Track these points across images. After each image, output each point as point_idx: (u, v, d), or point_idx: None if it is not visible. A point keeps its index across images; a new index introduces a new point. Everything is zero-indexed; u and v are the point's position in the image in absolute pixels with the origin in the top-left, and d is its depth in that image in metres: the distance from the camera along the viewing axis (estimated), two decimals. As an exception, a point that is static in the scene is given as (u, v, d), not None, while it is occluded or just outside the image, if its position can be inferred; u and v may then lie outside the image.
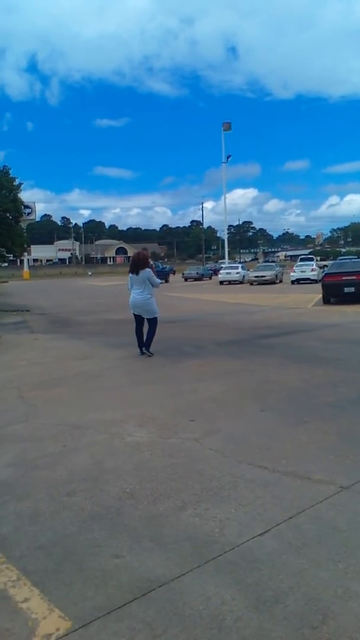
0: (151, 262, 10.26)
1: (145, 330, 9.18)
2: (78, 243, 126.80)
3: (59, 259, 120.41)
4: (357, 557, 2.71)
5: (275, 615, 2.30)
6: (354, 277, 17.48)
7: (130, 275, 9.15)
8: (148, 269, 9.08)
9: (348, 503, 3.34)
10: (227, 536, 2.98)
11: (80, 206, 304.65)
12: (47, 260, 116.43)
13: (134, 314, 9.25)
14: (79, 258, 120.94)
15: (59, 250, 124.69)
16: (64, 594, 2.51)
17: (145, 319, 9.17)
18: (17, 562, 2.81)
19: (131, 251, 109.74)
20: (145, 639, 2.19)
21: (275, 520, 3.13)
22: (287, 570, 2.63)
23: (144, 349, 9.09)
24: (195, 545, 2.89)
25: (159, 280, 9.60)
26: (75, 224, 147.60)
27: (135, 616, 2.33)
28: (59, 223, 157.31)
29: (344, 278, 17.70)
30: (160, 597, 2.46)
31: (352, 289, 17.24)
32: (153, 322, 9.14)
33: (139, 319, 9.22)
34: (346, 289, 17.43)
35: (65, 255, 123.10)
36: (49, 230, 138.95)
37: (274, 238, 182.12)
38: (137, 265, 9.08)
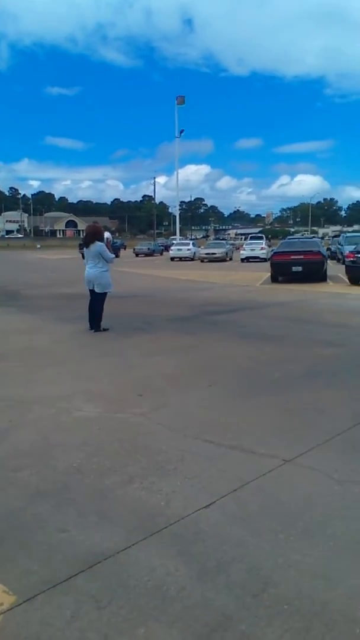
0: (107, 236, 10.08)
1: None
2: (27, 215, 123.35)
3: (7, 231, 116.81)
4: (297, 528, 2.81)
5: (218, 585, 2.36)
6: (301, 257, 17.80)
7: (85, 249, 8.98)
8: (100, 243, 8.88)
9: (290, 476, 3.44)
10: (172, 509, 3.02)
11: (30, 177, 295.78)
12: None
13: (89, 289, 9.04)
14: (28, 230, 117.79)
15: (7, 222, 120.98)
16: (8, 569, 2.49)
17: (93, 294, 8.97)
18: None
19: (82, 224, 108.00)
20: (90, 610, 2.21)
21: (219, 492, 3.20)
22: (230, 541, 2.69)
23: (94, 329, 8.88)
24: (141, 519, 2.93)
25: (112, 255, 9.40)
26: (24, 195, 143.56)
27: (81, 589, 2.34)
28: (7, 193, 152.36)
29: (292, 257, 18.00)
30: (106, 570, 2.47)
31: (300, 268, 17.57)
32: (101, 297, 8.91)
33: (92, 294, 9.04)
34: (294, 268, 17.74)
35: (13, 227, 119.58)
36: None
37: (225, 216, 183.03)
38: (88, 238, 8.93)
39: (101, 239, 9.03)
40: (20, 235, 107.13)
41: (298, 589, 2.31)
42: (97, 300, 8.94)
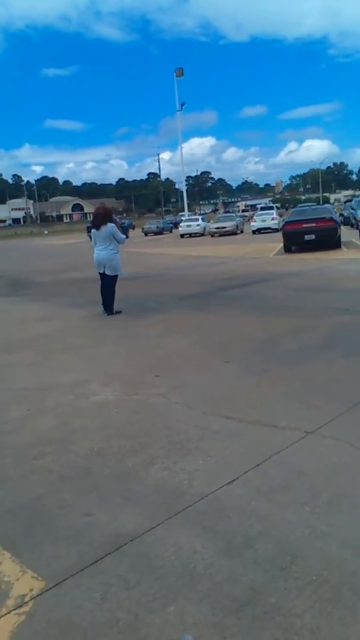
0: (116, 218, 9.99)
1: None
2: (32, 201, 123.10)
3: (13, 219, 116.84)
4: (322, 499, 2.79)
5: (246, 560, 2.35)
6: (313, 225, 17.56)
7: (94, 231, 8.87)
8: (111, 224, 8.78)
9: (313, 447, 3.42)
10: (195, 487, 3.02)
11: (32, 162, 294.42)
12: (0, 221, 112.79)
13: (99, 272, 8.97)
14: (34, 217, 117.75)
15: (12, 209, 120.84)
16: (35, 556, 2.51)
17: (105, 276, 8.89)
18: (-13, 527, 2.79)
19: (88, 207, 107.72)
20: (119, 591, 2.22)
21: (242, 468, 3.18)
22: (255, 515, 2.69)
23: (107, 312, 8.86)
24: (165, 498, 2.93)
25: (124, 236, 9.27)
26: (28, 181, 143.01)
27: (108, 571, 2.35)
28: (10, 181, 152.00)
29: (304, 226, 17.75)
30: (132, 551, 2.48)
31: (313, 237, 17.34)
32: (113, 280, 8.86)
33: (104, 277, 8.97)
34: (306, 237, 17.51)
35: (19, 214, 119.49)
36: None
37: (233, 188, 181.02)
38: (98, 220, 8.81)
39: (111, 220, 8.94)
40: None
41: (326, 560, 2.30)
42: (109, 284, 8.87)
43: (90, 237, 9.13)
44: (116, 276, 8.89)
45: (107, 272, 8.82)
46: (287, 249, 18.55)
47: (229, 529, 2.59)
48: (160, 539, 2.56)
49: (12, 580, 2.36)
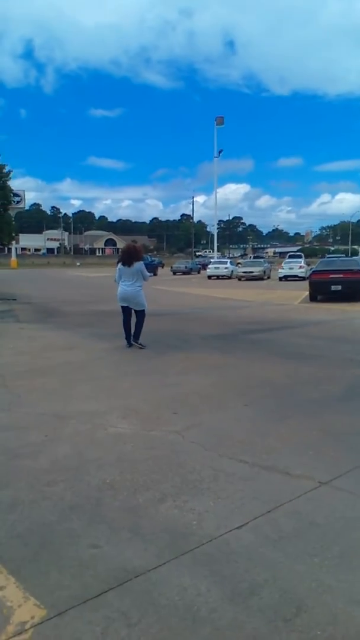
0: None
1: (133, 323, 9.15)
2: (67, 233, 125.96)
3: (47, 249, 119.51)
4: (332, 552, 2.74)
5: (250, 607, 2.32)
6: (341, 276, 17.60)
7: (121, 267, 9.06)
8: (141, 262, 9.09)
9: (326, 498, 3.37)
10: (205, 528, 2.99)
11: (71, 196, 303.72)
12: (36, 250, 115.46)
13: (122, 306, 9.18)
14: (68, 248, 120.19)
15: (48, 239, 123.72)
16: (40, 583, 2.51)
17: (134, 311, 9.13)
18: (-6, 550, 2.80)
19: (120, 243, 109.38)
20: (120, 628, 2.20)
21: (253, 513, 3.15)
22: (263, 563, 2.65)
23: (134, 341, 9.06)
24: (173, 537, 2.91)
25: (149, 274, 9.59)
26: (65, 213, 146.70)
27: (111, 605, 2.34)
28: (49, 212, 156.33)
29: (331, 276, 17.82)
30: (137, 588, 2.47)
31: (339, 287, 17.36)
32: (142, 314, 9.13)
33: (127, 311, 9.15)
34: (333, 287, 17.53)
35: (54, 245, 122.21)
36: (37, 220, 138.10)
37: (264, 234, 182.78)
38: (131, 257, 9.03)
39: (142, 258, 9.23)
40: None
41: (332, 615, 2.25)
42: (139, 318, 9.12)
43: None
44: (145, 310, 9.14)
45: (135, 308, 9.06)
46: (313, 297, 18.56)
47: (235, 574, 2.56)
48: (166, 578, 2.54)
49: (15, 606, 2.35)
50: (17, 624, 2.24)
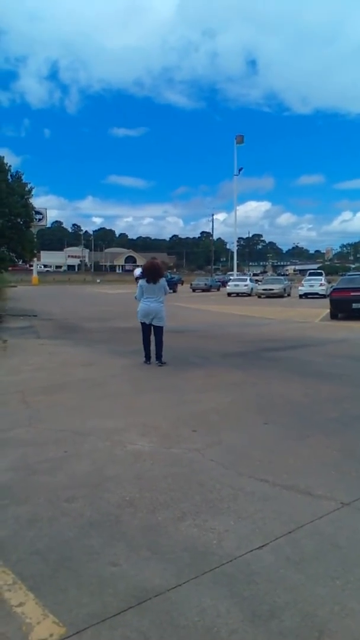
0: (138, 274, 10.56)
1: (152, 339, 9.21)
2: (88, 250, 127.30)
3: (68, 266, 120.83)
4: (355, 574, 2.68)
5: (271, 630, 2.28)
6: (362, 293, 17.44)
7: (145, 283, 9.16)
8: (164, 278, 9.38)
9: (348, 519, 3.31)
10: (225, 548, 2.96)
11: (93, 214, 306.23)
12: (57, 267, 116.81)
13: (143, 323, 9.23)
14: (88, 265, 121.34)
15: (69, 257, 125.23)
16: (59, 600, 2.50)
17: (153, 328, 9.16)
18: (14, 566, 2.81)
19: (140, 260, 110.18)
20: (139, 648, 2.18)
21: (274, 534, 3.11)
22: (284, 585, 2.61)
23: (157, 360, 9.11)
24: (193, 556, 2.88)
25: (170, 289, 9.85)
26: (86, 231, 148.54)
27: (130, 625, 2.32)
28: (70, 230, 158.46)
29: (352, 294, 17.66)
30: (156, 607, 2.44)
31: (361, 305, 17.20)
32: (161, 331, 9.19)
33: (147, 328, 9.22)
34: (354, 305, 17.38)
35: (75, 262, 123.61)
36: (59, 237, 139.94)
37: (284, 252, 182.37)
38: (156, 273, 9.21)
39: (163, 274, 9.50)
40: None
41: (354, 639, 2.20)
42: (159, 334, 9.18)
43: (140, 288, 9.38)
44: (164, 327, 9.23)
45: (157, 323, 9.13)
46: (334, 315, 18.42)
47: (255, 595, 2.52)
48: (185, 597, 2.51)
49: (34, 623, 2.35)
50: (36, 641, 2.23)
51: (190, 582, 2.63)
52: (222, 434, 5.10)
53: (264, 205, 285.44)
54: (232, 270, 65.90)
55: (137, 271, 10.88)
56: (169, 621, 2.34)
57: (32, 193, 25.48)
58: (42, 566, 2.81)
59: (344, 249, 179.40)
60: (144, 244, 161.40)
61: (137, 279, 10.13)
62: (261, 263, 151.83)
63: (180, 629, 2.29)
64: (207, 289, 50.48)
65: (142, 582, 2.64)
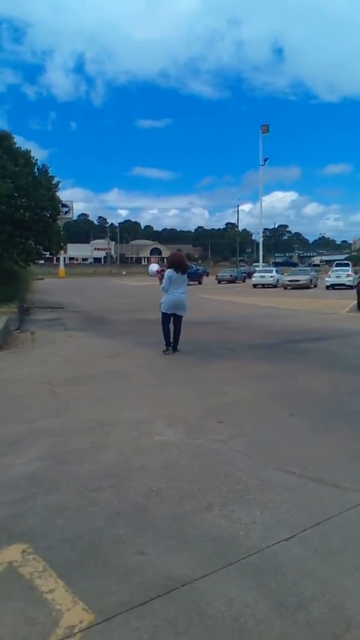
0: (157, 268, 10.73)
1: (172, 329, 9.47)
2: (114, 243, 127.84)
3: (95, 258, 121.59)
4: (384, 568, 2.66)
5: (298, 621, 2.28)
6: (390, 284, 17.15)
7: (174, 274, 9.22)
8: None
9: (376, 512, 3.28)
10: (252, 539, 2.96)
11: (118, 206, 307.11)
12: (83, 259, 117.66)
13: (167, 314, 9.34)
14: (114, 258, 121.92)
15: (95, 249, 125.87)
16: (88, 587, 2.54)
17: (174, 318, 9.39)
18: (44, 553, 2.86)
19: (165, 252, 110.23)
20: (167, 636, 2.20)
21: (301, 525, 3.10)
22: (311, 576, 2.60)
23: (176, 347, 9.41)
24: (220, 547, 2.89)
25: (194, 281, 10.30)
26: (112, 223, 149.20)
27: (158, 614, 2.34)
28: (96, 222, 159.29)
29: (381, 285, 17.39)
30: (183, 596, 2.46)
31: (389, 296, 16.92)
32: (182, 320, 9.53)
33: (169, 318, 9.39)
34: (382, 296, 17.11)
35: (101, 254, 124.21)
36: (85, 230, 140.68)
37: (310, 243, 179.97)
38: (185, 264, 9.51)
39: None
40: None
41: (384, 634, 2.18)
42: (180, 323, 9.50)
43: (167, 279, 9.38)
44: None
45: (180, 313, 9.41)
46: (362, 306, 18.16)
47: (283, 586, 2.52)
48: (212, 588, 2.53)
49: (64, 610, 2.39)
50: (66, 627, 2.27)
51: (217, 573, 2.65)
52: (248, 426, 5.10)
53: (290, 196, 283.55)
54: (257, 261, 65.49)
55: (153, 267, 10.91)
56: (196, 611, 2.36)
57: (59, 186, 25.69)
58: (71, 554, 2.86)
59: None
60: (169, 236, 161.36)
61: (158, 272, 10.18)
62: (287, 254, 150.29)
63: (207, 619, 2.30)
64: (232, 280, 50.24)
65: (169, 572, 2.66)
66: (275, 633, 2.21)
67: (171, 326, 9.39)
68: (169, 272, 9.26)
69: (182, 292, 9.30)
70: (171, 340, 9.39)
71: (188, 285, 9.59)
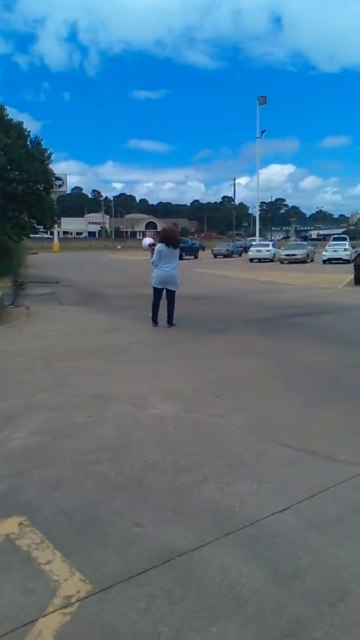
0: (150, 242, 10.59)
1: (164, 304, 9.49)
2: (108, 217, 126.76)
3: (89, 232, 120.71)
4: (377, 538, 2.70)
5: (293, 590, 2.31)
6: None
7: (165, 248, 9.18)
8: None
9: (371, 484, 3.31)
10: (247, 511, 3.00)
11: (113, 179, 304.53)
12: (77, 233, 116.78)
13: (157, 288, 9.42)
14: (109, 232, 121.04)
15: (89, 223, 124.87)
16: (85, 558, 2.57)
17: (166, 292, 9.42)
18: (41, 526, 2.88)
19: (161, 226, 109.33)
20: (163, 605, 2.23)
21: (296, 497, 3.13)
22: (306, 547, 2.64)
23: (168, 323, 9.41)
24: (216, 518, 2.92)
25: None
26: (106, 197, 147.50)
27: (154, 583, 2.37)
28: (90, 196, 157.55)
29: (377, 259, 17.35)
30: (180, 567, 2.49)
31: (386, 270, 16.90)
32: (174, 295, 9.49)
33: (160, 293, 9.45)
34: (379, 270, 17.08)
35: (95, 228, 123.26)
36: (79, 203, 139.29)
37: (307, 216, 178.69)
38: (176, 239, 9.44)
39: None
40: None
41: (377, 602, 2.22)
42: (173, 298, 9.47)
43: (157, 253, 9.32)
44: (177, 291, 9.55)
45: (171, 288, 9.40)
46: (358, 281, 18.15)
47: (278, 557, 2.56)
48: (208, 558, 2.56)
49: (61, 580, 2.42)
50: (63, 597, 2.30)
51: (213, 543, 2.68)
52: (245, 400, 5.12)
53: (288, 169, 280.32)
54: (254, 235, 65.13)
55: (146, 241, 10.81)
56: (192, 580, 2.39)
57: (52, 159, 25.28)
58: (68, 526, 2.88)
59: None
60: (164, 210, 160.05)
61: (150, 245, 10.08)
62: (284, 228, 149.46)
63: (203, 588, 2.34)
64: (228, 254, 49.93)
65: (166, 543, 2.69)
66: (270, 602, 2.24)
67: (165, 301, 9.41)
68: (159, 246, 9.26)
69: (172, 267, 9.27)
70: (157, 314, 9.47)
71: (184, 259, 9.57)
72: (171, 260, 9.24)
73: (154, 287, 9.45)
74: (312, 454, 3.80)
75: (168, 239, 9.26)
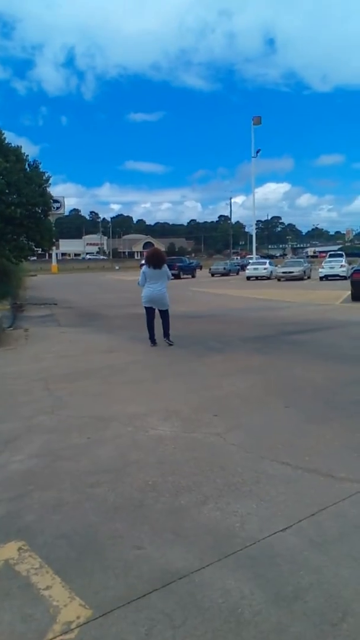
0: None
1: (158, 323, 9.65)
2: (106, 238, 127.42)
3: (87, 253, 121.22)
4: (379, 556, 2.68)
5: (295, 611, 2.29)
6: (383, 274, 17.19)
7: (149, 269, 9.53)
8: (166, 265, 9.81)
9: (371, 502, 3.30)
10: (247, 531, 2.98)
11: (111, 200, 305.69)
12: (75, 255, 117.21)
13: (147, 307, 9.68)
14: (107, 252, 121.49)
15: (87, 244, 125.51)
16: (85, 583, 2.55)
17: (159, 312, 9.67)
18: (40, 550, 2.86)
19: (158, 246, 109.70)
20: (165, 629, 2.21)
21: (296, 516, 3.12)
22: (307, 566, 2.62)
23: (165, 338, 9.60)
24: (216, 539, 2.91)
25: (171, 275, 10.62)
26: (104, 218, 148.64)
27: (155, 607, 2.35)
28: (88, 217, 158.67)
29: (374, 275, 17.42)
30: (180, 589, 2.47)
31: (382, 286, 16.95)
32: (167, 313, 9.72)
33: (152, 312, 9.69)
34: (376, 286, 17.14)
35: (93, 249, 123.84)
36: (77, 225, 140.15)
37: (303, 234, 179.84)
38: (160, 260, 9.66)
39: (165, 261, 9.94)
40: (102, 257, 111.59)
41: (380, 622, 2.20)
42: (166, 316, 9.69)
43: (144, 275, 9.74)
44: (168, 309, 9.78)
45: (162, 308, 9.67)
46: (355, 297, 18.18)
47: (279, 577, 2.54)
48: (209, 580, 2.54)
49: (61, 606, 2.39)
50: (63, 623, 2.28)
51: (214, 565, 2.66)
52: (243, 418, 5.11)
53: (283, 187, 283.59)
54: (251, 253, 65.41)
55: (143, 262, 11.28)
56: (193, 603, 2.37)
57: (50, 182, 25.52)
58: (67, 550, 2.86)
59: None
60: (162, 230, 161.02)
61: (141, 266, 10.53)
62: (280, 245, 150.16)
63: (204, 611, 2.31)
64: (226, 273, 50.11)
65: (166, 565, 2.67)
66: (272, 623, 2.22)
67: (158, 321, 9.63)
68: (144, 267, 9.69)
69: (159, 286, 9.54)
70: (154, 333, 9.64)
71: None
72: (158, 280, 9.55)
73: (145, 307, 9.75)
74: (312, 471, 3.78)
75: (149, 260, 9.64)
